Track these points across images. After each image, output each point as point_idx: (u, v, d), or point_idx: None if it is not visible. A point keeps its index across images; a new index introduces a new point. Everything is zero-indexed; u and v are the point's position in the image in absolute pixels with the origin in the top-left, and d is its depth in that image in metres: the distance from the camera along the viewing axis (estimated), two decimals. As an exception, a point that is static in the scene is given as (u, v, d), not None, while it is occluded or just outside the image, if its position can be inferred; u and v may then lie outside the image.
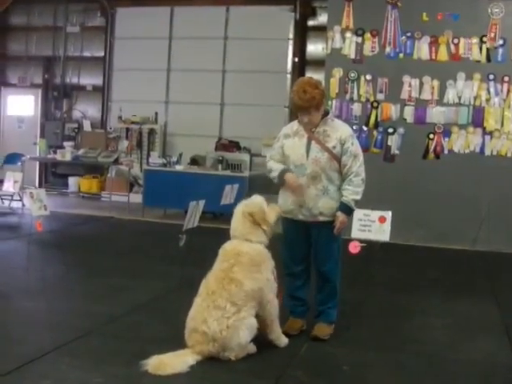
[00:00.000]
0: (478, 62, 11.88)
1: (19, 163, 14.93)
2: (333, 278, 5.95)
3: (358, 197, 5.80)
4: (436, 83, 12.05)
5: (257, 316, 5.38)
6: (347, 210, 5.81)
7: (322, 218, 5.79)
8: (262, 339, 5.45)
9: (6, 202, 13.20)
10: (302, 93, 5.68)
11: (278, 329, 5.62)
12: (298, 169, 5.79)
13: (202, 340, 5.16)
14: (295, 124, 5.99)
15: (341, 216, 5.76)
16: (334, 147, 5.74)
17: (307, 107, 5.69)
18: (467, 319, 6.99)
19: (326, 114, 5.91)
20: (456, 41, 11.92)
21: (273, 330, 5.56)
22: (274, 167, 5.97)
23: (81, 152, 14.82)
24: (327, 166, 5.73)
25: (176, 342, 5.32)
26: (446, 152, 12.04)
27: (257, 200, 5.63)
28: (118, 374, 4.86)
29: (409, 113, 12.19)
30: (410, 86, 12.15)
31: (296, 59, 15.82)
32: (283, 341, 5.66)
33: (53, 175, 17.55)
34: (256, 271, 5.38)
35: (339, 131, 5.81)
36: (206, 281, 5.40)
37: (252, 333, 5.28)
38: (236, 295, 5.23)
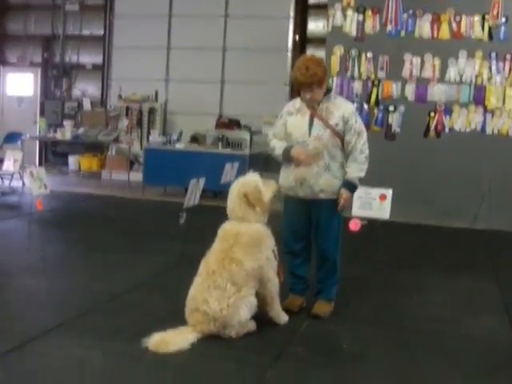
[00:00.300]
0: (480, 40, 11.84)
1: (19, 142, 14.93)
2: (333, 256, 5.95)
3: (362, 174, 5.79)
4: (437, 61, 12.02)
5: (257, 294, 5.40)
6: (351, 187, 5.80)
7: (322, 196, 5.78)
8: (262, 317, 5.47)
9: (6, 181, 13.19)
10: (304, 69, 5.66)
11: (278, 306, 5.64)
12: (301, 146, 5.77)
13: (202, 319, 5.17)
14: (298, 101, 5.96)
15: (344, 193, 5.75)
16: (337, 124, 5.72)
17: (309, 84, 5.67)
18: (467, 297, 7.01)
19: (329, 91, 5.89)
20: (458, 18, 11.87)
21: (273, 308, 5.58)
22: (278, 145, 5.95)
23: (81, 131, 14.81)
24: (329, 143, 5.71)
25: (177, 318, 5.34)
26: (446, 130, 12.03)
27: (252, 179, 5.60)
28: (119, 351, 4.88)
29: (410, 91, 12.16)
30: (411, 63, 12.12)
31: (297, 37, 15.75)
32: (283, 318, 5.67)
33: (53, 154, 17.54)
34: (256, 251, 5.38)
35: (342, 108, 5.79)
36: (206, 261, 5.40)
37: (252, 310, 5.30)
38: (236, 275, 5.24)
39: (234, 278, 5.22)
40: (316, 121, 5.76)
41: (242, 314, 5.20)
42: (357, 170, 5.75)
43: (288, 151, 5.80)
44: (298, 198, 5.87)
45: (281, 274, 5.65)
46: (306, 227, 5.96)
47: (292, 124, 5.88)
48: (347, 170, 5.77)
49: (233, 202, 5.53)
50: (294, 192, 5.87)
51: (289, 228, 6.01)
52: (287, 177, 5.90)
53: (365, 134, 5.84)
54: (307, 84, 5.68)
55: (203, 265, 5.39)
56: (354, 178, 5.76)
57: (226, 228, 5.50)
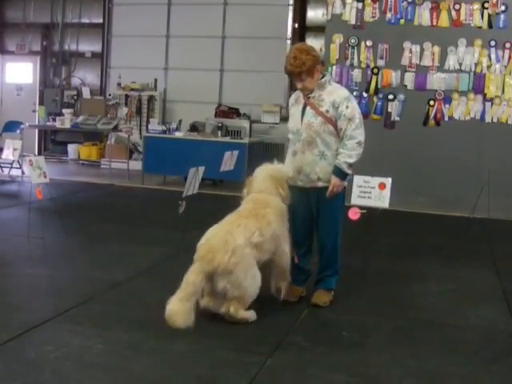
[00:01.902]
0: (480, 28, 11.82)
1: (18, 131, 14.94)
2: (332, 245, 5.95)
3: (352, 160, 5.69)
4: (437, 49, 12.00)
5: (270, 265, 5.65)
6: (340, 173, 5.72)
7: (320, 184, 5.77)
8: (261, 307, 5.48)
9: (6, 170, 13.20)
10: (291, 59, 5.70)
11: (289, 279, 5.85)
12: (295, 135, 5.83)
13: (217, 247, 5.20)
14: (298, 92, 6.00)
15: (333, 179, 5.71)
16: (327, 111, 5.70)
17: (298, 73, 5.68)
18: (466, 286, 7.02)
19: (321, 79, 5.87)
20: (457, 7, 11.84)
21: (285, 278, 5.81)
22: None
23: (80, 119, 14.78)
24: (321, 130, 5.70)
25: (177, 308, 5.34)
26: (446, 119, 12.04)
27: (283, 168, 5.90)
28: (119, 339, 4.90)
29: (409, 79, 12.15)
30: (410, 52, 12.10)
31: (296, 25, 15.72)
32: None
33: (52, 143, 17.51)
34: (281, 220, 5.66)
35: (333, 95, 5.76)
36: (237, 212, 5.63)
37: (253, 286, 5.35)
38: (265, 229, 5.45)
39: (262, 230, 5.41)
40: (308, 109, 5.79)
41: (247, 276, 5.28)
42: (345, 155, 5.68)
43: None
44: (298, 186, 5.89)
45: (295, 257, 5.90)
46: (308, 216, 5.94)
47: (291, 114, 5.98)
48: (337, 156, 5.74)
49: (263, 180, 5.78)
50: (294, 181, 5.90)
51: (292, 216, 6.00)
52: (287, 167, 5.95)
53: (357, 120, 5.72)
54: (296, 73, 5.71)
55: (232, 214, 5.60)
56: (340, 163, 5.69)
57: (255, 197, 5.74)
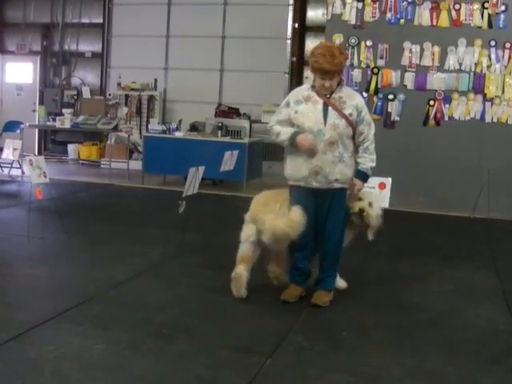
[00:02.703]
0: (480, 28, 11.83)
1: (18, 131, 14.94)
2: (338, 247, 5.96)
3: (374, 164, 5.85)
4: (437, 49, 12.02)
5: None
6: (364, 177, 5.86)
7: (336, 185, 5.76)
8: (261, 306, 5.48)
9: (6, 170, 13.20)
10: (330, 57, 5.57)
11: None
12: (316, 135, 5.67)
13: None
14: (305, 89, 5.91)
15: (358, 183, 5.82)
16: (351, 114, 5.70)
17: (333, 72, 5.61)
18: (466, 286, 7.01)
19: (341, 80, 5.86)
20: (457, 7, 11.85)
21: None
22: (283, 130, 5.83)
23: (80, 119, 14.76)
24: (344, 133, 5.70)
25: (177, 307, 5.34)
26: (446, 119, 12.05)
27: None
28: (119, 339, 4.89)
29: (409, 79, 12.16)
30: (410, 52, 12.11)
31: (296, 25, 15.72)
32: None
33: (52, 142, 17.50)
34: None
35: (355, 99, 5.79)
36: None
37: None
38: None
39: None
40: (330, 109, 5.71)
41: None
42: (369, 160, 5.82)
43: (295, 136, 5.69)
44: (310, 188, 5.79)
45: None
46: (314, 219, 5.89)
47: (303, 113, 5.77)
48: (360, 160, 5.80)
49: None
50: (306, 182, 5.79)
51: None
52: (299, 167, 5.80)
53: (373, 125, 5.91)
54: (332, 72, 5.62)
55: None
56: (367, 168, 5.82)
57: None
